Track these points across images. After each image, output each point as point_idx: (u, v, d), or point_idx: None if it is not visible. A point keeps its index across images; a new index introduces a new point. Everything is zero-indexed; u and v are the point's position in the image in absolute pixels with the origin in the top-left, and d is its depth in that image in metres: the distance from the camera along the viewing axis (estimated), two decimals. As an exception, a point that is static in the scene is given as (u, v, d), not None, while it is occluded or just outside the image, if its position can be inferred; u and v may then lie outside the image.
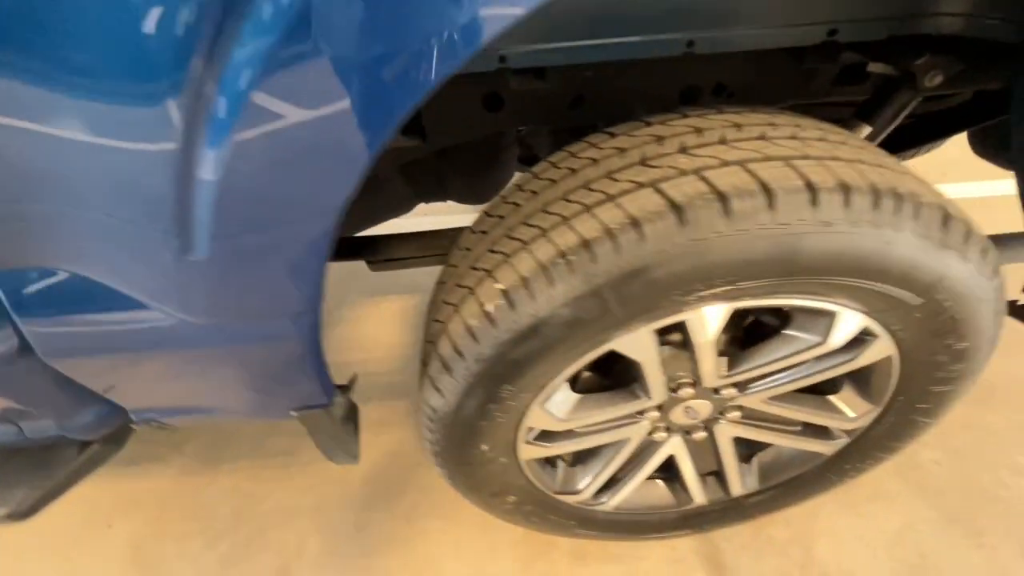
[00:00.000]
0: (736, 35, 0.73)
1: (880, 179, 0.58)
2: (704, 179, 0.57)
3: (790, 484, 1.02)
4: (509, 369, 0.68)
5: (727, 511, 1.07)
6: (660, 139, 0.65)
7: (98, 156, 0.48)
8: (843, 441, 0.93)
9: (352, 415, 0.84)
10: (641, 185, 0.60)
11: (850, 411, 0.86)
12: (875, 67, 0.88)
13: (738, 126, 0.65)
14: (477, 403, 0.72)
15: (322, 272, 0.59)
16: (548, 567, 1.12)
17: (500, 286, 0.64)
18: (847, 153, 0.63)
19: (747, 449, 1.02)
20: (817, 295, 0.66)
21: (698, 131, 0.65)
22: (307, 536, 1.19)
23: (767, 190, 0.56)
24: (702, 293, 0.61)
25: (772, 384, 0.81)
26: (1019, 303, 0.88)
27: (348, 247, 1.11)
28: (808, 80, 0.94)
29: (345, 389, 0.79)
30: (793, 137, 0.63)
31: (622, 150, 0.66)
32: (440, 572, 1.12)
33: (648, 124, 0.69)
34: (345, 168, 0.52)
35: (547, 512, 0.99)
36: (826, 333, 0.70)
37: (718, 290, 0.61)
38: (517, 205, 0.74)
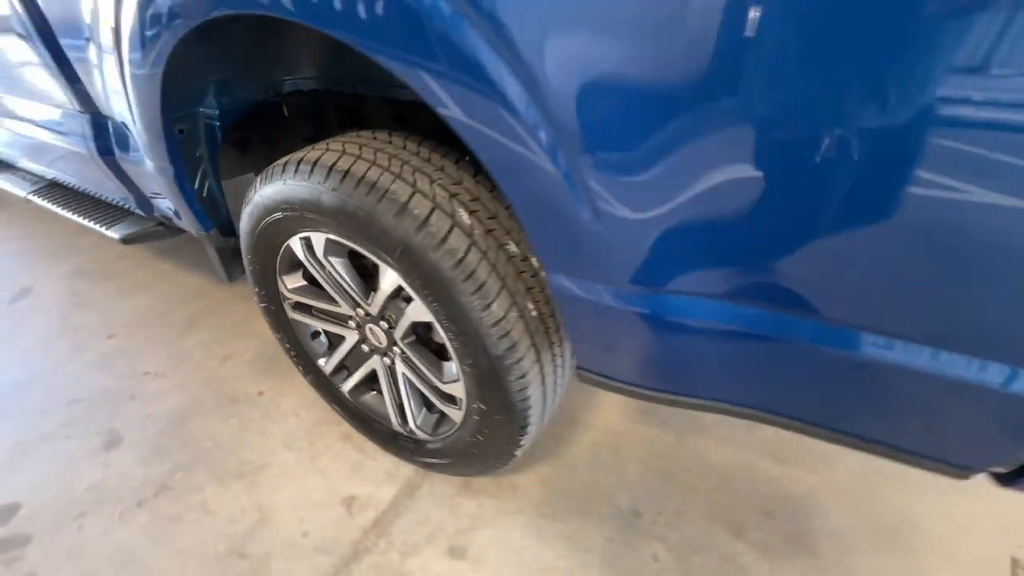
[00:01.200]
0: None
1: (352, 167, 0.95)
2: (312, 152, 1.04)
3: (448, 442, 1.27)
4: (255, 237, 1.23)
5: (417, 448, 1.37)
6: (348, 138, 1.12)
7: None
8: (461, 411, 1.16)
9: (238, 255, 1.52)
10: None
11: (446, 375, 1.12)
12: None
13: (375, 137, 1.07)
14: (247, 250, 1.30)
15: (169, 142, 1.21)
16: (324, 431, 1.60)
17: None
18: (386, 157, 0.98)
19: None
20: (355, 242, 1.02)
21: (359, 136, 1.09)
22: (249, 350, 1.93)
23: (314, 162, 1.00)
24: (295, 214, 1.07)
25: (394, 325, 1.16)
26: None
27: None
28: None
29: (231, 237, 1.47)
30: (367, 145, 1.00)
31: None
32: (279, 402, 1.71)
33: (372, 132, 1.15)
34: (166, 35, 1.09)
35: (313, 372, 1.48)
36: (380, 279, 1.05)
37: (309, 215, 1.05)
38: None
